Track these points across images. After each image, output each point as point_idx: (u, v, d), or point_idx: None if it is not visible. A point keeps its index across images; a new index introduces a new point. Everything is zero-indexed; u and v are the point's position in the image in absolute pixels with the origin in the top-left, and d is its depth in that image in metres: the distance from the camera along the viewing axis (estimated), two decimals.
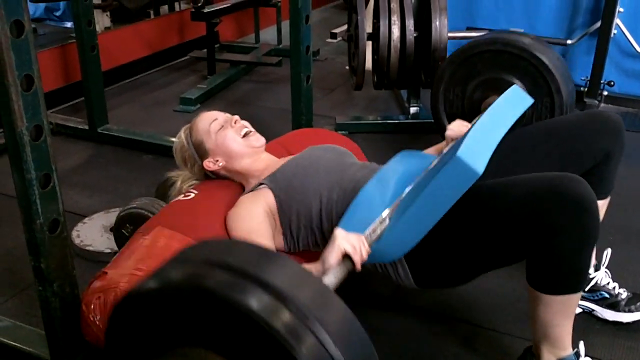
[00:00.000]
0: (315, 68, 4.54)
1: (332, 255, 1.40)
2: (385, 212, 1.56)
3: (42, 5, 5.12)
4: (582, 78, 3.63)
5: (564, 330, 1.52)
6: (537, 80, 2.38)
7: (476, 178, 1.37)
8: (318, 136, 2.36)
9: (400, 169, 1.75)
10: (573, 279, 1.45)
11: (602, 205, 1.85)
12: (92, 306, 1.54)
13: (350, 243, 1.41)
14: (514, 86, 1.79)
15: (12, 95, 1.33)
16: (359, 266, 1.42)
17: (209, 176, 1.95)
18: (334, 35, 5.27)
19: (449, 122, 2.67)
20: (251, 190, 1.81)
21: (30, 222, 1.45)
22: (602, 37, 3.43)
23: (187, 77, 4.37)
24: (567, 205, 1.38)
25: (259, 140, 1.90)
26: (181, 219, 1.77)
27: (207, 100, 3.86)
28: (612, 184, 1.85)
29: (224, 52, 4.73)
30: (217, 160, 1.88)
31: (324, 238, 1.74)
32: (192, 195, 1.87)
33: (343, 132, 3.28)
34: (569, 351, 1.54)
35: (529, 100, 1.75)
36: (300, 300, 0.94)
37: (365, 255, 1.43)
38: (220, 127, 1.88)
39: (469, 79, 2.57)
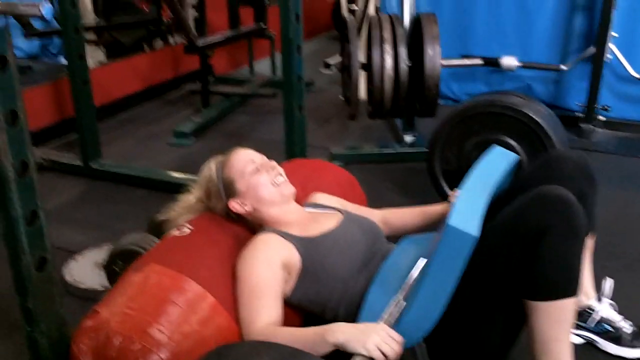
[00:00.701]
0: (309, 99, 4.54)
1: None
2: (400, 295, 1.55)
3: (38, 42, 5.16)
4: (577, 103, 3.63)
5: (564, 346, 1.48)
6: (534, 142, 2.41)
7: (474, 241, 1.39)
8: (312, 167, 2.34)
9: (407, 255, 1.72)
10: (566, 280, 1.44)
11: (588, 244, 1.81)
12: (83, 346, 1.50)
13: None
14: (495, 146, 1.79)
15: None
16: None
17: (229, 215, 1.86)
18: (328, 66, 5.32)
19: (445, 179, 2.70)
20: (277, 232, 1.74)
21: (16, 260, 1.42)
22: (597, 63, 3.45)
23: (182, 110, 4.37)
24: (551, 205, 1.42)
25: (288, 188, 1.82)
26: (174, 256, 1.72)
27: (201, 133, 3.85)
28: (593, 221, 1.79)
29: (219, 84, 4.73)
30: (245, 204, 1.80)
31: (335, 318, 1.70)
32: (187, 230, 1.83)
33: (338, 162, 3.26)
34: None
35: (512, 157, 1.76)
36: None
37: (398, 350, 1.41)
38: (256, 170, 1.80)
39: (466, 138, 2.58)
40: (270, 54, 4.87)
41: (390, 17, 3.14)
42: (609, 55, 3.44)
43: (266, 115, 4.20)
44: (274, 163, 1.84)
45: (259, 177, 1.79)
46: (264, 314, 1.58)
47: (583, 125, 3.59)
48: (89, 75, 3.12)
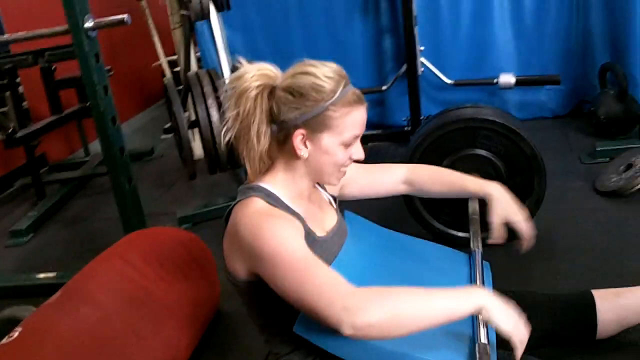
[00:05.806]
0: (151, 166, 4.47)
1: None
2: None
3: None
4: (404, 118, 3.77)
5: None
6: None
7: None
8: (151, 237, 2.26)
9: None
10: None
11: None
12: None
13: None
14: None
15: None
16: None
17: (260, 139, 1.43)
18: (167, 131, 5.24)
19: (421, 202, 2.48)
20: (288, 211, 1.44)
21: None
22: (412, 77, 3.59)
23: (18, 208, 4.10)
24: None
25: (337, 180, 1.52)
26: None
27: (40, 227, 3.62)
28: None
29: (53, 172, 4.51)
30: (307, 148, 1.42)
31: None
32: (15, 335, 1.69)
33: (186, 225, 3.19)
34: None
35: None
36: None
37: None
38: (351, 142, 1.45)
39: (444, 156, 2.47)
40: None
41: (208, 71, 3.15)
42: (421, 68, 3.62)
43: (107, 193, 4.02)
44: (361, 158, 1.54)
45: (344, 151, 1.46)
46: (339, 277, 1.26)
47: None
48: None
